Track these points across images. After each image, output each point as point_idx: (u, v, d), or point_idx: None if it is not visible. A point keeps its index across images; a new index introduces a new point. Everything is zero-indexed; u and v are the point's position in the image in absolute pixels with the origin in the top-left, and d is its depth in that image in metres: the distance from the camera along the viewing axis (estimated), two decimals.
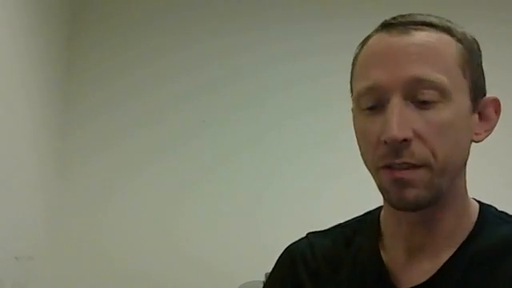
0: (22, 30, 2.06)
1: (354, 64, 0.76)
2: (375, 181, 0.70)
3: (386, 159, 0.66)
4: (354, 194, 2.33)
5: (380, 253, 0.75)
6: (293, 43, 2.57)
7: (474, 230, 0.72)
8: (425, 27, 0.69)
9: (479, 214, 0.73)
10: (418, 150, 0.65)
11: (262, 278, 2.03)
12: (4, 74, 1.90)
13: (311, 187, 2.31)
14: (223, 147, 2.42)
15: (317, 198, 2.32)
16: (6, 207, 1.85)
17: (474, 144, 0.71)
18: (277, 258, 0.85)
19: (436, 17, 0.71)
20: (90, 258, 2.25)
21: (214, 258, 2.22)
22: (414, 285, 0.70)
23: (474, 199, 0.76)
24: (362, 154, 0.72)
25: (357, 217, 0.84)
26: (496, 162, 2.11)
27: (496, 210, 0.75)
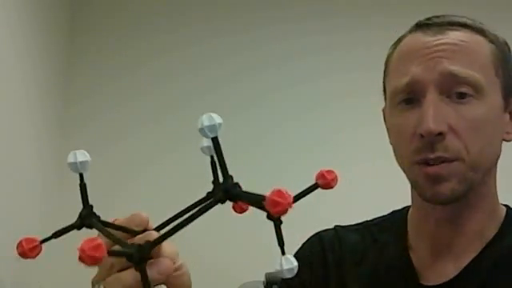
0: (21, 29, 2.06)
1: (387, 64, 0.77)
2: (407, 175, 0.72)
3: (422, 153, 0.67)
4: (354, 194, 2.33)
5: (407, 250, 0.76)
6: (293, 43, 2.57)
7: (499, 232, 0.72)
8: (459, 27, 0.71)
9: (505, 217, 0.74)
10: (452, 144, 0.66)
11: (262, 278, 2.03)
12: (4, 74, 1.90)
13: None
14: (223, 147, 2.41)
15: (317, 198, 2.32)
16: (6, 207, 1.85)
17: None
18: (304, 242, 0.87)
19: (469, 19, 0.74)
20: None
21: (214, 257, 2.22)
22: (437, 283, 0.71)
23: (502, 203, 0.76)
24: (394, 150, 0.73)
25: (384, 215, 0.85)
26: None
27: None
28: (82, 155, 0.42)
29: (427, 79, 0.68)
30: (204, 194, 0.43)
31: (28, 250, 0.40)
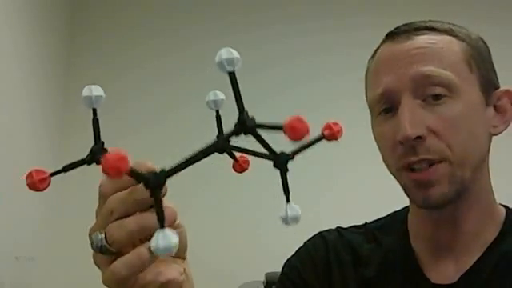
0: (22, 29, 2.06)
1: (366, 77, 0.78)
2: (398, 182, 0.72)
3: (404, 158, 0.67)
4: (354, 194, 2.33)
5: (412, 252, 0.76)
6: (293, 43, 2.57)
7: (500, 234, 0.72)
8: (426, 31, 0.71)
9: (506, 219, 0.74)
10: (434, 145, 0.66)
11: (262, 278, 2.03)
12: (4, 74, 1.90)
13: (311, 187, 2.31)
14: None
15: (317, 198, 2.32)
16: (5, 207, 1.85)
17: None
18: (306, 241, 0.86)
19: (437, 21, 0.74)
20: (90, 259, 2.25)
21: (214, 258, 2.22)
22: (442, 283, 0.71)
23: (500, 204, 0.76)
24: (383, 159, 0.74)
25: (384, 217, 0.85)
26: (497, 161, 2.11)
27: None
28: (97, 90, 0.42)
29: (400, 86, 0.68)
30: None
31: (38, 181, 0.39)
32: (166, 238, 0.34)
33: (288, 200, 0.39)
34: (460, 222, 0.71)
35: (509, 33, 2.49)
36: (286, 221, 0.38)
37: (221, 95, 0.47)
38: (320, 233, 0.86)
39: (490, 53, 0.75)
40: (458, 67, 0.69)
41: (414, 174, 0.67)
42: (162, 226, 0.35)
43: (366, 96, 0.77)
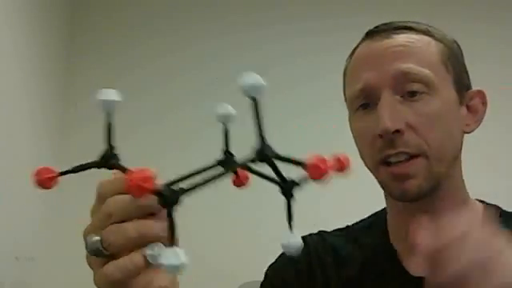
0: (22, 30, 2.06)
1: (344, 75, 0.80)
2: (375, 177, 0.74)
3: (383, 152, 0.69)
4: (353, 194, 2.33)
5: (393, 247, 0.77)
6: (293, 43, 2.57)
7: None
8: (404, 31, 0.74)
9: (483, 214, 0.75)
10: (412, 140, 0.68)
11: (262, 278, 2.03)
12: (4, 74, 1.90)
13: (311, 188, 2.31)
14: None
15: (317, 198, 2.32)
16: (5, 207, 1.85)
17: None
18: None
19: (414, 22, 0.76)
20: None
21: (214, 258, 2.22)
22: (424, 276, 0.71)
23: (478, 199, 0.77)
24: (360, 154, 0.76)
25: (365, 218, 0.86)
26: (490, 157, 2.10)
27: (501, 209, 0.77)
28: (115, 95, 0.42)
29: (380, 83, 0.70)
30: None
31: (47, 179, 0.38)
32: (177, 257, 0.33)
33: (290, 227, 0.38)
34: (436, 215, 0.72)
35: (509, 33, 2.50)
36: (288, 248, 0.37)
37: (232, 110, 0.46)
38: (302, 237, 0.86)
39: (462, 55, 0.77)
40: (436, 66, 0.71)
41: (391, 168, 0.69)
42: (173, 244, 0.34)
43: (345, 94, 0.79)
